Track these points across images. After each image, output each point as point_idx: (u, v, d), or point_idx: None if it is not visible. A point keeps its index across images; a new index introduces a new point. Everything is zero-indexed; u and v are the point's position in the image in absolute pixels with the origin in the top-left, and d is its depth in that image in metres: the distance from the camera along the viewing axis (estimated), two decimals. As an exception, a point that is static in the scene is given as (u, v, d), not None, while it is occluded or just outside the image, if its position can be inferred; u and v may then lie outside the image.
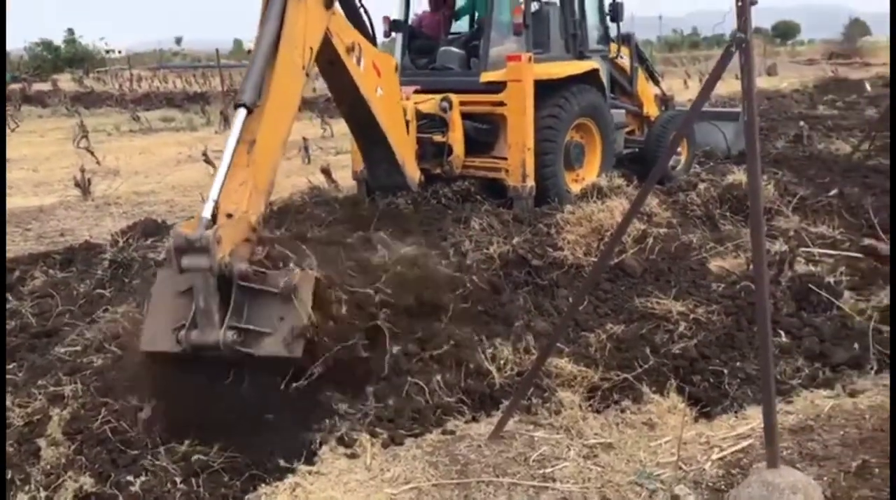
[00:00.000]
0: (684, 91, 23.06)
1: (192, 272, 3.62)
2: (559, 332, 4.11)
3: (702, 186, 7.34)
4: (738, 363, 4.67)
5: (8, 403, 4.48)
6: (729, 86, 22.78)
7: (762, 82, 24.92)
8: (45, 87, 37.54)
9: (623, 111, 8.81)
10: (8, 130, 19.60)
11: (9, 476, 3.73)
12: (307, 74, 4.98)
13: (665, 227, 6.45)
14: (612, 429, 3.92)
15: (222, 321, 3.62)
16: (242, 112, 4.19)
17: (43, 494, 3.54)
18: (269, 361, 3.66)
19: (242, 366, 3.74)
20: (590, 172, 7.96)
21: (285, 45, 4.62)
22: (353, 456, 3.69)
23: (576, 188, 7.53)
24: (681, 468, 3.51)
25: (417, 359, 4.49)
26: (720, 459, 3.56)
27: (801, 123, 12.30)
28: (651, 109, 9.42)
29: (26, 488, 3.63)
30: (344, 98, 6.07)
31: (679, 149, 9.44)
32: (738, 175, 7.47)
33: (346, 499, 3.29)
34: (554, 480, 3.45)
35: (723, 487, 3.32)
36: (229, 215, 3.91)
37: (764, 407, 3.03)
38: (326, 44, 5.25)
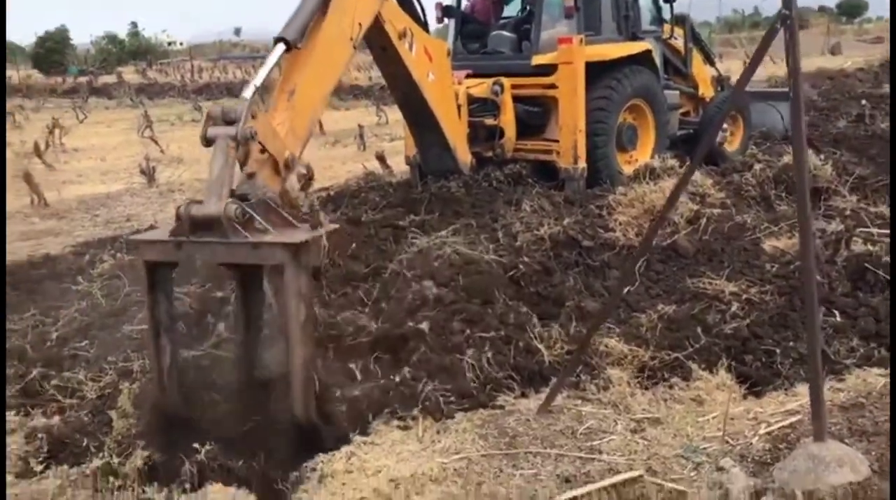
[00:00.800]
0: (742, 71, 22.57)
1: (216, 140, 3.57)
2: (608, 309, 4.16)
3: (757, 166, 7.26)
4: (790, 343, 4.66)
5: (81, 377, 4.72)
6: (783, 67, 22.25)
7: (825, 62, 24.28)
8: (110, 79, 38.60)
9: (677, 93, 8.74)
10: (76, 121, 20.26)
11: (84, 444, 3.95)
12: (354, 47, 5.06)
13: (719, 207, 6.41)
14: (660, 405, 3.97)
15: (230, 195, 3.53)
16: (281, 47, 4.24)
17: (116, 460, 3.74)
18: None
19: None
20: (643, 154, 7.94)
21: (335, 8, 4.70)
22: (405, 429, 3.81)
23: (628, 170, 7.52)
24: (727, 442, 3.54)
25: (468, 338, 4.59)
26: (767, 434, 3.59)
27: (864, 102, 12.01)
28: (706, 90, 9.32)
29: (100, 454, 3.84)
30: (397, 84, 6.19)
31: (733, 129, 9.34)
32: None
33: (399, 467, 3.41)
34: (600, 452, 3.52)
35: (769, 460, 3.35)
36: (262, 151, 3.93)
37: (811, 380, 3.05)
38: (379, 30, 5.36)
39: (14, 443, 3.94)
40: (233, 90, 29.77)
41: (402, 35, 5.70)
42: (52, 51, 56.97)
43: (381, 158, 10.01)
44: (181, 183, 11.23)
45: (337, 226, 4.05)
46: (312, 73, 4.51)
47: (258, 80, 3.99)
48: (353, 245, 5.76)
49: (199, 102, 23.57)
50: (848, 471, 2.98)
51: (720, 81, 9.90)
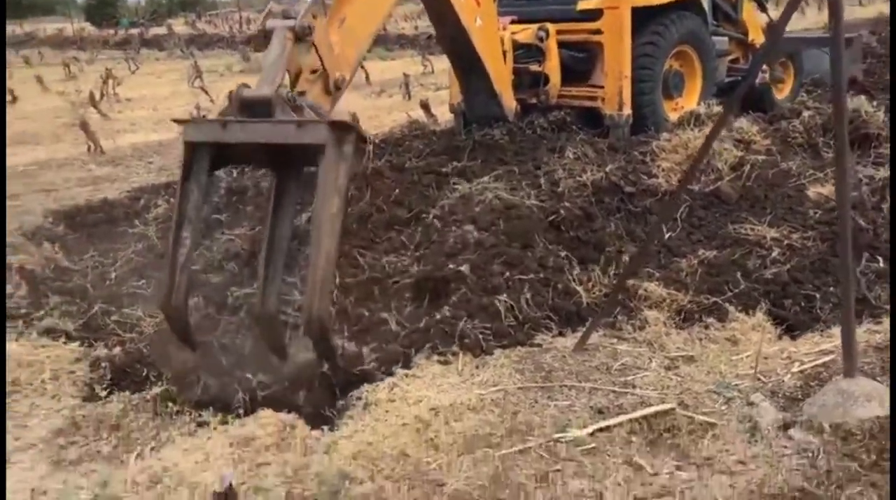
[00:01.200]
0: (800, 19, 21.94)
1: (274, 31, 3.65)
2: (645, 250, 4.23)
3: (806, 113, 7.15)
4: (830, 288, 4.68)
5: (140, 313, 4.97)
6: (847, 11, 21.52)
7: (887, 7, 23.40)
8: (160, 31, 38.98)
9: (726, 39, 8.57)
10: (128, 72, 20.62)
11: (143, 374, 4.20)
12: None
13: (764, 154, 6.36)
14: (695, 344, 4.06)
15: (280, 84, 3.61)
16: None
17: (173, 388, 3.97)
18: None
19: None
20: (689, 101, 7.85)
21: None
22: (445, 363, 3.96)
23: (673, 117, 7.46)
24: (759, 379, 3.63)
25: (507, 280, 4.70)
26: (800, 372, 3.66)
27: (924, 49, 11.60)
28: (757, 37, 9.11)
29: (159, 383, 4.08)
30: (445, 30, 6.23)
31: (784, 76, 9.16)
32: (847, 101, 7.24)
33: (439, 398, 3.57)
34: (634, 387, 3.63)
35: (799, 396, 3.43)
36: (314, 71, 4.01)
37: (843, 316, 3.11)
38: None
39: (80, 370, 4.21)
40: (281, 41, 29.88)
41: None
42: (104, 3, 57.61)
43: (425, 107, 10.05)
44: (231, 131, 11.44)
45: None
46: (364, 6, 4.54)
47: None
48: (397, 191, 5.86)
49: (248, 53, 23.69)
50: (876, 405, 3.05)
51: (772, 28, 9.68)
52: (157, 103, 15.20)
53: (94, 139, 10.12)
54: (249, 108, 3.65)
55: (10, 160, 10.09)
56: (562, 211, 5.43)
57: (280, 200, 3.82)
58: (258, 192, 6.64)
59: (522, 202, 5.42)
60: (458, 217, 5.30)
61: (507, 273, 4.71)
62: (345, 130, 3.55)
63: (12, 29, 46.18)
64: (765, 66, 8.47)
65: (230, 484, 2.19)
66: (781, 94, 9.11)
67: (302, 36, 3.73)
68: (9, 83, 16.47)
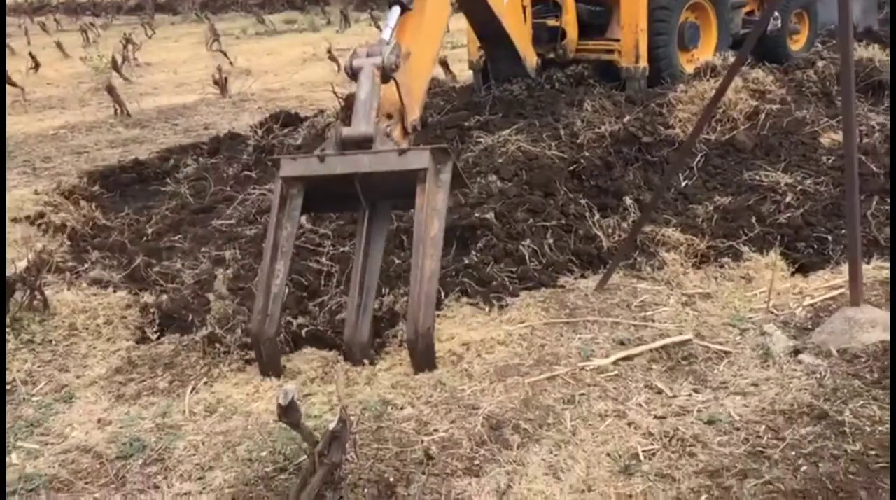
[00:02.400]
0: (818, -30, 21.72)
1: (361, 69, 3.78)
2: (660, 191, 4.42)
3: (820, 63, 7.24)
4: (842, 231, 4.85)
5: (179, 265, 5.22)
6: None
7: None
8: (173, -6, 38.89)
9: (741, -10, 8.64)
10: (145, 37, 20.75)
11: (189, 319, 4.46)
12: (452, 5, 5.25)
13: (778, 104, 6.49)
14: (711, 281, 4.28)
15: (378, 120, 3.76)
16: (397, 10, 4.39)
17: (219, 331, 4.23)
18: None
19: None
20: (705, 53, 7.94)
21: None
22: (474, 305, 4.19)
23: (689, 69, 7.57)
24: (772, 312, 3.85)
25: (531, 226, 4.91)
26: (811, 305, 3.88)
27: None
28: (772, -12, 9.16)
29: (203, 328, 4.34)
30: (473, 11, 6.37)
31: (799, 27, 9.22)
32: (861, 51, 7.34)
33: (469, 334, 3.82)
34: (653, 321, 3.86)
35: (809, 326, 3.65)
36: (389, 116, 4.16)
37: (849, 244, 3.31)
38: None
39: (130, 316, 4.48)
40: (294, 2, 29.84)
41: None
42: (115, -32, 57.33)
43: (444, 64, 10.19)
44: (252, 93, 11.63)
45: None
46: (425, 34, 4.66)
47: (387, 34, 4.14)
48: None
49: (263, 15, 23.78)
50: (880, 331, 3.26)
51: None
52: (176, 67, 15.38)
53: (119, 102, 10.34)
54: (350, 146, 3.81)
55: (40, 125, 10.36)
56: (582, 161, 5.62)
57: (372, 232, 3.92)
58: (284, 150, 6.87)
59: (543, 153, 5.60)
60: (482, 169, 5.49)
61: (531, 220, 4.92)
62: (444, 156, 3.76)
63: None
64: (777, 16, 8.54)
65: (293, 398, 2.44)
66: (797, 45, 9.17)
67: (388, 74, 3.86)
68: (29, 49, 16.67)
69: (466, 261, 4.57)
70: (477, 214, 4.97)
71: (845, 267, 4.27)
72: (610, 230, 4.98)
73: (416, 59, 4.53)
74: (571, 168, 5.57)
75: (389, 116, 4.19)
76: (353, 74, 3.91)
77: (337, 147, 3.82)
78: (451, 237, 4.83)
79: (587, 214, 5.14)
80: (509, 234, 4.84)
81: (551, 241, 4.77)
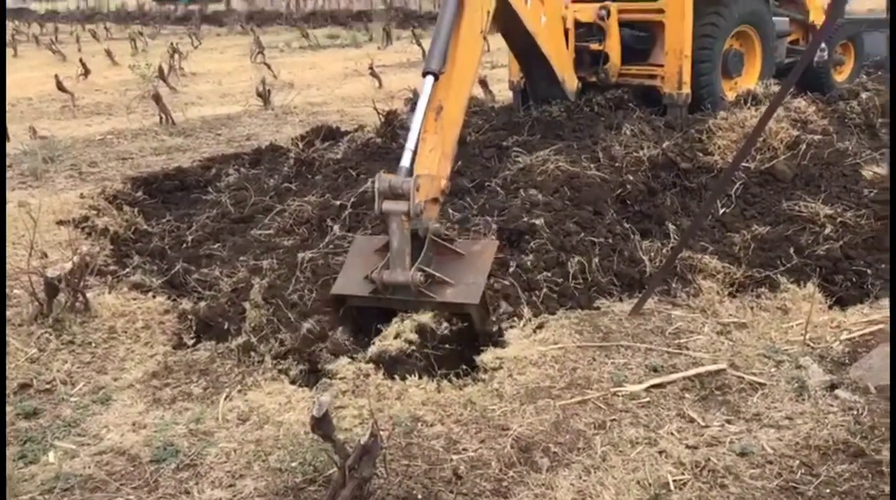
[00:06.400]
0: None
1: (390, 215, 4.00)
2: (699, 220, 4.40)
3: (864, 94, 7.19)
4: (882, 265, 4.80)
5: (217, 273, 5.29)
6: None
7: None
8: (219, 7, 39.62)
9: (786, 19, 8.58)
10: (191, 48, 21.14)
11: (225, 326, 4.52)
12: (485, 38, 5.24)
13: (820, 134, 6.44)
14: (747, 311, 4.25)
15: (412, 265, 3.99)
16: (430, 79, 4.48)
17: (254, 339, 4.29)
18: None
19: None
20: (748, 81, 7.90)
21: (467, 14, 4.89)
22: (511, 315, 4.20)
23: (731, 96, 7.55)
24: (808, 345, 3.81)
25: (581, 240, 4.89)
26: (848, 340, 3.83)
27: None
28: (818, 18, 9.08)
29: (238, 338, 4.40)
30: (511, 35, 6.40)
31: (845, 58, 9.14)
32: (906, 84, 7.26)
33: (504, 352, 3.83)
34: (687, 349, 3.84)
35: (847, 361, 3.61)
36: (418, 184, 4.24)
37: (891, 279, 3.26)
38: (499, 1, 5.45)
39: (168, 321, 4.56)
40: (337, 18, 30.24)
41: None
42: (165, -21, 58.55)
43: (483, 84, 10.25)
44: (294, 106, 11.78)
45: (497, 243, 4.41)
46: (456, 87, 4.74)
47: (411, 142, 4.25)
48: (459, 163, 6.09)
49: (307, 30, 24.09)
50: (920, 369, 3.21)
51: (834, 8, 9.63)
52: (220, 78, 15.63)
53: (165, 111, 10.53)
54: (391, 288, 4.03)
55: (87, 130, 10.59)
56: (627, 185, 5.60)
57: None
58: (325, 163, 6.95)
59: (584, 172, 5.60)
60: (520, 184, 5.50)
61: (582, 234, 4.91)
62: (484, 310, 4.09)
63: (77, 4, 47.33)
64: (824, 46, 8.49)
65: (327, 410, 2.47)
66: (841, 76, 9.11)
67: (415, 217, 4.03)
68: (80, 56, 17.06)
69: (516, 264, 4.57)
70: (525, 219, 4.96)
71: (885, 302, 4.25)
72: (653, 254, 4.96)
73: (450, 112, 4.64)
74: (617, 192, 5.56)
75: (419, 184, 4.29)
76: (382, 216, 4.09)
77: (381, 288, 4.06)
78: (501, 238, 4.82)
79: (632, 236, 5.13)
80: (561, 245, 4.80)
81: (597, 260, 4.75)
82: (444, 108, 4.60)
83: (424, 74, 4.55)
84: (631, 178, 5.65)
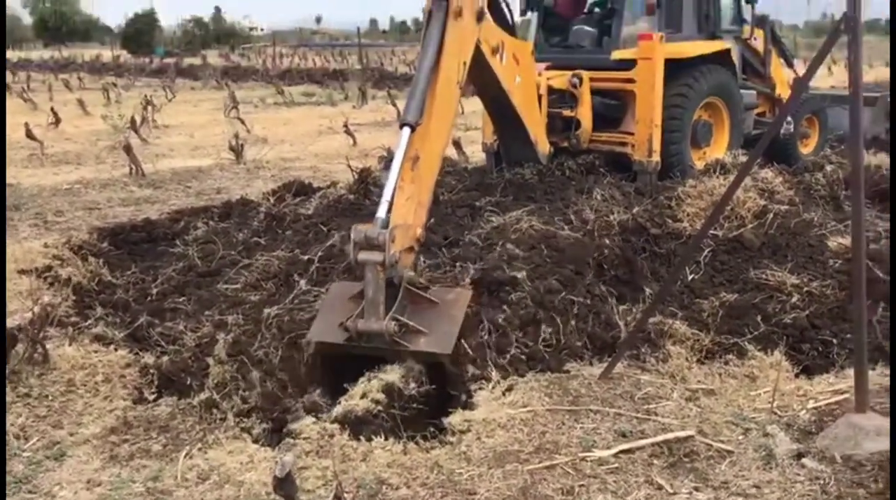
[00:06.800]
0: (827, 77, 22.28)
1: (366, 265, 4.04)
2: (670, 282, 4.43)
3: (829, 167, 7.36)
4: (848, 335, 4.84)
5: (181, 327, 5.20)
6: (875, 72, 21.84)
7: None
8: (195, 61, 39.96)
9: (754, 92, 8.84)
10: (165, 100, 21.18)
11: (188, 382, 4.43)
12: (461, 88, 5.34)
13: (787, 204, 6.55)
14: (715, 378, 4.25)
15: (386, 314, 4.02)
16: (407, 131, 4.57)
17: (216, 396, 4.20)
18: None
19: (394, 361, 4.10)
20: (716, 151, 8.08)
21: (444, 66, 5.01)
22: (480, 378, 4.16)
23: (700, 165, 7.70)
24: (776, 413, 3.81)
25: (562, 299, 4.88)
26: (815, 408, 3.84)
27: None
28: (783, 92, 9.38)
29: (201, 394, 4.31)
30: (486, 91, 6.51)
31: (810, 132, 9.40)
32: (869, 158, 7.46)
33: (473, 414, 3.78)
34: (656, 414, 3.83)
35: (813, 430, 3.61)
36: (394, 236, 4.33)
37: (855, 351, 3.29)
38: (475, 50, 5.56)
39: (129, 375, 4.46)
40: (313, 76, 30.57)
41: (495, 50, 5.93)
42: (141, 32, 59.11)
43: (457, 145, 10.37)
44: (266, 161, 11.81)
45: (471, 291, 4.47)
46: (433, 137, 4.84)
47: (387, 193, 4.32)
48: (432, 220, 6.10)
49: (282, 86, 24.31)
50: (885, 440, 3.22)
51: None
52: (193, 130, 15.66)
53: (136, 162, 10.50)
54: (364, 337, 4.09)
55: (55, 179, 10.50)
56: (605, 250, 5.62)
57: None
58: (295, 218, 6.93)
59: (559, 232, 5.62)
60: (494, 241, 5.50)
61: (563, 292, 4.88)
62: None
63: (51, 54, 47.47)
64: (789, 120, 8.73)
65: (289, 470, 2.40)
66: (807, 148, 9.36)
67: (391, 267, 4.10)
68: (51, 105, 17.02)
69: (487, 322, 4.53)
70: (506, 270, 4.93)
71: (850, 372, 4.26)
72: (628, 319, 4.96)
73: (426, 161, 4.71)
74: (594, 254, 5.58)
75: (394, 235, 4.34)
76: (357, 265, 4.13)
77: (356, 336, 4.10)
78: (480, 287, 4.81)
79: (610, 299, 5.14)
80: (541, 301, 4.77)
81: (573, 321, 4.74)
82: (421, 158, 4.65)
83: (401, 126, 4.62)
84: (607, 242, 5.68)
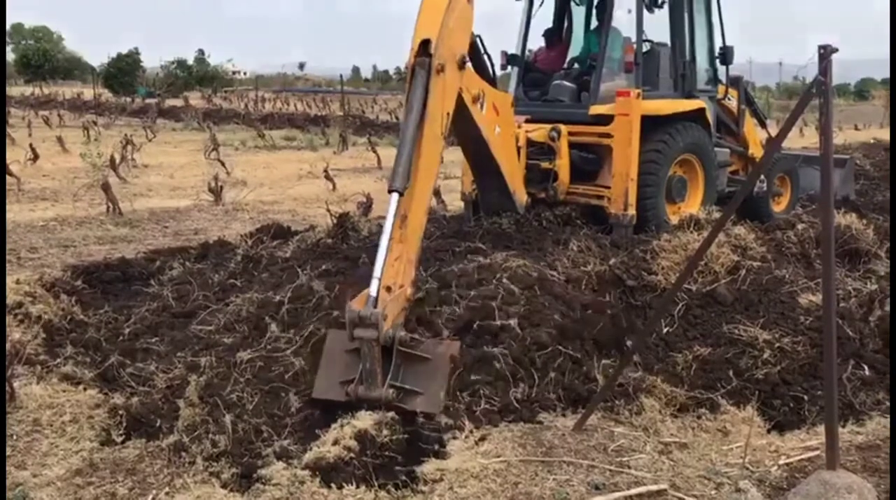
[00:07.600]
0: (799, 138, 22.78)
1: (362, 341, 4.22)
2: (644, 334, 4.47)
3: (800, 225, 7.50)
4: (818, 392, 4.89)
5: (152, 368, 5.14)
6: (844, 135, 22.37)
7: (883, 133, 24.29)
8: (177, 103, 40.09)
9: (727, 151, 9.02)
10: (145, 140, 21.18)
11: (157, 424, 4.37)
12: (444, 138, 5.47)
13: (759, 261, 6.65)
14: (688, 431, 4.26)
15: (383, 382, 4.23)
16: (395, 196, 4.68)
17: (186, 439, 4.14)
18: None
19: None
20: (691, 207, 8.21)
21: (429, 121, 5.10)
22: (452, 427, 4.14)
23: (674, 219, 7.81)
24: (748, 468, 3.82)
25: (553, 351, 4.90)
26: (787, 464, 3.86)
27: (915, 174, 12.14)
28: (756, 151, 9.59)
29: (170, 436, 4.24)
30: (466, 139, 6.61)
31: (782, 191, 9.59)
32: (839, 218, 7.60)
33: (445, 463, 3.75)
34: (629, 467, 3.82)
35: (785, 486, 3.62)
36: (388, 289, 4.49)
37: (826, 408, 3.33)
38: (457, 99, 5.68)
39: (97, 416, 4.38)
40: (295, 121, 30.78)
41: (475, 99, 6.05)
42: (124, 72, 59.24)
43: (436, 194, 10.45)
44: (245, 203, 11.81)
45: (458, 344, 4.61)
46: (419, 196, 4.96)
47: (378, 269, 4.41)
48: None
49: (263, 130, 24.43)
50: (856, 497, 3.24)
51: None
52: (173, 171, 15.65)
53: (113, 201, 10.45)
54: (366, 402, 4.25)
55: (31, 215, 10.42)
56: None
57: None
58: (272, 261, 6.92)
59: (549, 274, 5.66)
60: (485, 277, 5.50)
61: (558, 346, 4.93)
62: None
63: (32, 90, 47.40)
64: (763, 178, 8.91)
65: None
66: (779, 207, 9.54)
67: (384, 342, 4.29)
68: (30, 142, 16.95)
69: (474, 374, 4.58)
70: (501, 316, 4.98)
71: (821, 428, 4.29)
72: (610, 371, 4.95)
73: (414, 219, 4.85)
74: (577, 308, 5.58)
75: (388, 289, 4.49)
76: (353, 340, 4.31)
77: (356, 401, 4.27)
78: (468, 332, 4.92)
79: (596, 353, 5.17)
80: (522, 360, 4.78)
81: (553, 374, 4.75)
82: (409, 217, 4.77)
83: (390, 191, 4.70)
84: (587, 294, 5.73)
